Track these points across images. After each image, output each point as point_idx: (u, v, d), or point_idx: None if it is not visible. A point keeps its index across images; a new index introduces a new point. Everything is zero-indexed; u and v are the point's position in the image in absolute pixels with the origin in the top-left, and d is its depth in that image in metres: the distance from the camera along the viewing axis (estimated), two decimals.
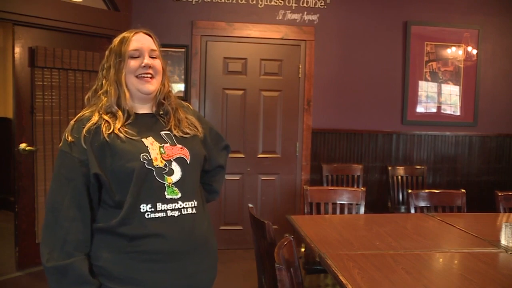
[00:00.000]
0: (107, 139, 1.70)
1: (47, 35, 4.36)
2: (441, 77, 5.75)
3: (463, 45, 5.76)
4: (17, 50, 4.17)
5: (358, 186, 5.05)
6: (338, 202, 3.51)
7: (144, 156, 1.70)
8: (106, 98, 1.79)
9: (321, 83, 5.46)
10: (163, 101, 1.87)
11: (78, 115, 1.80)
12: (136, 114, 1.82)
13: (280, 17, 5.34)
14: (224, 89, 5.30)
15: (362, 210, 3.48)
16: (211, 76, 5.28)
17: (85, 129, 1.71)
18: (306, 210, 3.45)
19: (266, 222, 2.35)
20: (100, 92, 1.82)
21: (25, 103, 4.27)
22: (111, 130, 1.72)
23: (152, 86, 1.81)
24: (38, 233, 4.38)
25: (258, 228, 2.46)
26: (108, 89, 1.79)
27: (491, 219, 3.25)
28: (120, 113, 1.77)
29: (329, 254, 2.30)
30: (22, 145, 4.23)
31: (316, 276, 3.01)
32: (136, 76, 1.80)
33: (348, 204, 3.50)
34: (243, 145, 5.33)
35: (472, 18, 5.74)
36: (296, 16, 5.37)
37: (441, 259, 2.41)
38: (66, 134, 1.74)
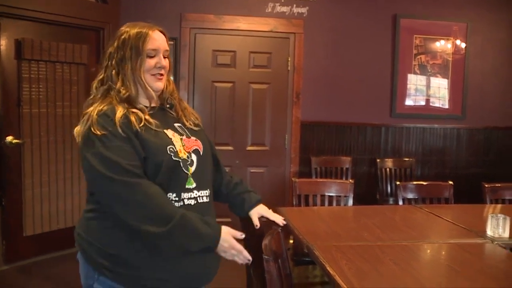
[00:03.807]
0: (139, 130, 1.71)
1: (34, 27, 4.32)
2: (429, 70, 5.77)
3: (452, 38, 5.78)
4: (3, 42, 4.12)
5: (346, 179, 5.05)
6: (326, 194, 3.51)
7: (170, 149, 1.75)
8: (124, 92, 1.78)
9: (310, 76, 5.46)
10: (170, 95, 1.94)
11: (95, 109, 1.73)
12: (150, 107, 1.85)
13: (269, 10, 5.33)
14: (213, 81, 5.29)
15: (350, 202, 3.49)
16: (200, 69, 5.26)
17: (117, 120, 1.69)
18: (294, 202, 3.45)
19: None
20: (114, 85, 1.80)
21: (12, 95, 4.23)
22: (141, 123, 1.73)
23: (162, 84, 1.88)
24: (25, 227, 4.36)
25: (247, 220, 2.46)
26: (127, 83, 1.79)
27: (478, 210, 3.28)
28: (142, 106, 1.80)
29: (317, 245, 2.30)
30: (9, 138, 4.19)
31: (304, 267, 3.02)
32: (150, 74, 1.83)
33: (336, 196, 3.51)
34: (232, 137, 5.33)
35: (461, 11, 5.76)
36: (285, 9, 5.36)
37: (428, 250, 2.42)
38: (92, 129, 1.67)
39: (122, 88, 1.79)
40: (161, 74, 1.85)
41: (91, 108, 1.75)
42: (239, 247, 1.76)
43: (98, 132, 1.67)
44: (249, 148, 5.39)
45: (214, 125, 5.23)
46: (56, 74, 4.50)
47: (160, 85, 1.86)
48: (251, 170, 5.38)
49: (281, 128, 5.43)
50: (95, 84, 1.86)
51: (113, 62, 1.82)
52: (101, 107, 1.74)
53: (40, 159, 4.45)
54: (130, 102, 1.78)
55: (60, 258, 4.44)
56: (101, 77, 1.86)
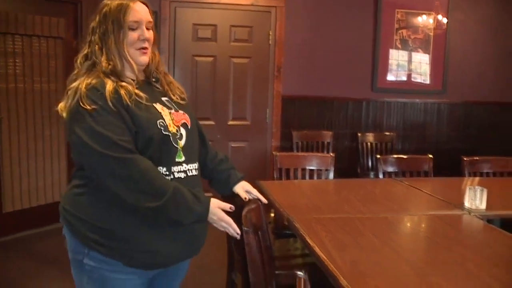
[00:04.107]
0: (130, 104, 1.68)
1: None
2: (411, 45, 5.77)
3: (434, 13, 5.78)
4: None
5: (328, 153, 5.07)
6: (307, 168, 3.52)
7: (160, 123, 1.73)
8: (109, 65, 1.74)
9: (292, 50, 5.43)
10: (156, 68, 1.91)
11: (83, 82, 1.68)
12: (137, 81, 1.81)
13: None
14: (194, 56, 5.24)
15: (331, 175, 3.50)
16: (180, 43, 5.20)
17: (107, 94, 1.65)
18: (275, 176, 3.46)
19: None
20: (98, 60, 1.75)
21: None
22: (131, 96, 1.70)
23: (147, 57, 1.84)
24: (4, 203, 4.32)
25: (229, 198, 2.46)
26: (112, 57, 1.75)
27: (457, 183, 3.32)
28: (130, 80, 1.76)
29: (297, 218, 2.31)
30: None
31: (285, 240, 3.04)
32: (134, 49, 1.79)
33: (317, 170, 3.52)
34: (213, 112, 5.31)
35: None
36: None
37: (408, 222, 2.45)
38: (81, 103, 1.63)
39: (107, 62, 1.75)
40: (145, 48, 1.81)
41: (77, 82, 1.70)
42: (228, 219, 1.76)
43: (88, 107, 1.63)
44: (230, 122, 5.38)
45: (195, 100, 5.19)
46: (32, 48, 4.41)
47: (145, 59, 1.83)
48: (233, 145, 5.38)
49: (263, 102, 5.42)
50: (79, 59, 1.81)
51: (96, 37, 1.78)
52: (89, 80, 1.69)
53: (18, 135, 4.39)
54: (116, 75, 1.74)
55: (41, 234, 4.42)
56: (85, 52, 1.81)
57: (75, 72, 1.79)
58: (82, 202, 1.74)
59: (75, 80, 1.74)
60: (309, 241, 2.01)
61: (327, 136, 5.34)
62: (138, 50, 1.80)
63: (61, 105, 1.73)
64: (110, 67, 1.74)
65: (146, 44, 1.81)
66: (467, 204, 2.60)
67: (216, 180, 2.16)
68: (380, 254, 1.93)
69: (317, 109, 5.59)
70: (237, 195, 2.10)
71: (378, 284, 1.62)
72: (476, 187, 2.61)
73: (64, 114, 1.71)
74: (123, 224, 1.70)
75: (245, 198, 2.08)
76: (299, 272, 1.39)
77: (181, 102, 1.92)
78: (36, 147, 4.54)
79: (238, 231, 1.80)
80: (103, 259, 1.71)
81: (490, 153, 4.26)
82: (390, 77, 5.78)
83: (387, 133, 5.65)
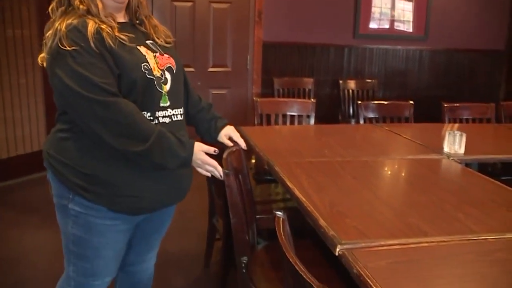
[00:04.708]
0: (113, 45, 1.62)
1: None
2: None
3: None
4: None
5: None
6: (288, 113, 3.51)
7: (145, 66, 1.68)
8: (84, 7, 1.64)
9: None
10: (137, 8, 1.82)
11: (63, 23, 1.60)
12: (118, 23, 1.73)
13: None
14: (172, 0, 5.11)
15: (312, 121, 3.51)
16: None
17: (89, 34, 1.58)
18: (256, 122, 3.45)
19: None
20: (71, 1, 1.66)
21: None
22: (114, 38, 1.63)
23: None
24: None
25: (215, 144, 2.46)
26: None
27: (437, 129, 3.34)
28: (112, 21, 1.68)
29: (277, 162, 2.32)
30: None
31: (266, 185, 3.06)
32: None
33: (298, 115, 3.52)
34: (193, 58, 5.24)
35: None
36: None
37: (387, 166, 2.47)
38: (62, 44, 1.56)
39: (80, 2, 1.66)
40: None
41: (56, 25, 1.62)
42: (213, 162, 1.75)
43: (68, 47, 1.56)
44: (210, 69, 5.33)
45: (174, 46, 5.08)
46: None
47: None
48: (213, 92, 5.35)
49: (243, 48, 5.35)
50: (52, 6, 1.73)
51: None
52: (70, 20, 1.61)
53: None
54: (93, 17, 1.66)
55: (21, 185, 4.40)
56: None
57: (51, 20, 1.71)
58: (67, 147, 1.71)
59: (51, 28, 1.65)
60: (288, 184, 2.02)
61: (308, 83, 5.32)
62: None
63: (41, 56, 1.67)
64: (84, 8, 1.65)
65: None
66: (446, 148, 2.63)
67: (199, 130, 2.15)
68: (359, 196, 1.95)
69: (298, 56, 5.54)
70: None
71: (357, 224, 1.63)
72: (455, 131, 2.63)
73: (44, 63, 1.65)
74: (108, 169, 1.68)
75: (229, 145, 2.08)
76: (278, 212, 1.40)
77: (166, 45, 1.87)
78: (12, 96, 4.45)
79: (222, 174, 1.80)
80: (88, 205, 1.70)
81: (470, 99, 4.30)
82: (373, 25, 5.72)
83: (368, 80, 5.64)
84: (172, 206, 1.96)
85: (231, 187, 1.87)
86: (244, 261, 1.98)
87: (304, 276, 1.09)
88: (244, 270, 1.98)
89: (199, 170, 1.78)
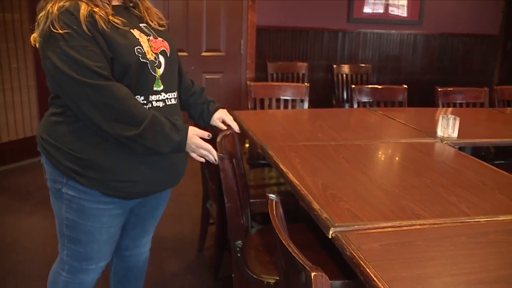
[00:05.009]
0: (106, 29, 1.60)
1: None
2: None
3: None
4: None
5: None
6: (282, 97, 3.51)
7: (138, 49, 1.66)
8: None
9: None
10: None
11: (54, 5, 1.57)
12: (112, 6, 1.71)
13: None
14: None
15: (306, 105, 3.51)
16: None
17: (82, 17, 1.56)
18: (250, 106, 3.45)
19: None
20: None
21: None
22: (107, 21, 1.61)
23: None
24: None
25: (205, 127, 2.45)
26: None
27: (430, 113, 3.35)
28: (105, 4, 1.65)
29: (271, 145, 2.32)
30: None
31: (260, 169, 3.06)
32: None
33: (292, 100, 3.51)
34: (186, 43, 5.20)
35: None
36: None
37: (380, 149, 2.48)
38: (54, 27, 1.54)
39: None
40: None
41: (48, 6, 1.60)
42: (207, 146, 1.74)
43: (60, 30, 1.54)
44: (204, 53, 5.29)
45: (168, 30, 5.05)
46: None
47: None
48: (207, 76, 5.32)
49: (237, 33, 5.32)
50: None
51: None
52: (62, 3, 1.59)
53: None
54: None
55: (14, 170, 4.37)
56: None
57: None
58: (60, 131, 1.70)
59: (44, 7, 1.63)
60: (282, 167, 2.02)
61: (302, 67, 5.31)
62: None
63: (34, 35, 1.64)
64: None
65: None
66: (439, 132, 2.64)
67: (191, 114, 2.13)
68: (352, 179, 1.95)
69: (292, 40, 5.52)
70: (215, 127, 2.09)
71: (350, 207, 1.64)
72: (449, 115, 2.64)
73: (37, 44, 1.63)
74: (102, 154, 1.67)
75: (223, 128, 2.07)
76: (271, 195, 1.40)
77: (160, 28, 1.85)
78: (4, 81, 4.41)
79: (217, 158, 1.79)
80: (82, 189, 1.70)
81: (463, 84, 4.30)
82: (367, 9, 5.70)
83: (362, 65, 5.63)
84: (167, 190, 1.96)
85: (226, 171, 1.87)
86: (239, 246, 1.99)
87: (297, 258, 1.09)
88: (239, 255, 1.99)
89: (193, 155, 1.76)
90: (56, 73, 1.58)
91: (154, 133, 1.61)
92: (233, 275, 2.13)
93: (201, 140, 1.73)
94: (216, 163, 1.81)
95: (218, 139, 1.93)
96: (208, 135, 1.75)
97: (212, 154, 1.76)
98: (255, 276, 1.93)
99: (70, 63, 1.54)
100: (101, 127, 1.59)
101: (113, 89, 1.57)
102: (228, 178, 1.89)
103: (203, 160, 1.79)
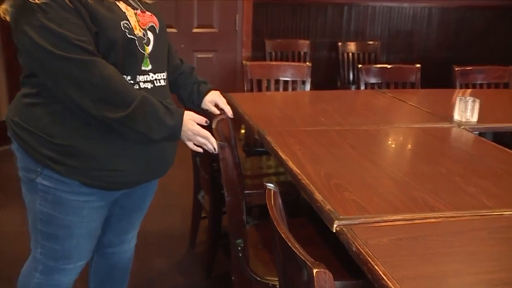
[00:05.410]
0: (89, 0, 1.56)
1: None
2: None
3: None
4: None
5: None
6: (281, 78, 3.49)
7: (125, 24, 1.63)
8: None
9: None
10: None
11: None
12: None
13: None
14: None
15: (307, 87, 3.49)
16: None
17: None
18: (246, 88, 3.43)
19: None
20: None
21: None
22: None
23: None
24: None
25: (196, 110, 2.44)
26: None
27: (447, 95, 3.34)
28: None
29: (268, 131, 2.31)
30: None
31: (257, 158, 3.06)
32: None
33: (292, 81, 3.50)
34: (175, 18, 5.17)
35: None
36: None
37: (390, 135, 2.47)
38: None
39: None
40: None
41: None
42: (206, 133, 1.72)
43: (38, 0, 1.50)
44: (195, 30, 5.28)
45: (156, 4, 5.04)
46: None
47: None
48: (198, 55, 5.31)
49: (231, 7, 5.30)
50: None
51: None
52: None
53: None
54: None
55: None
56: None
57: None
58: (34, 113, 1.67)
59: None
60: (281, 154, 2.01)
61: (304, 45, 5.29)
62: None
63: (3, 7, 1.61)
64: None
65: None
66: (456, 116, 2.62)
67: (180, 96, 2.12)
68: (359, 167, 1.94)
69: (292, 15, 5.50)
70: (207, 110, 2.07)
71: (356, 198, 1.63)
72: (468, 98, 2.63)
73: (7, 17, 1.59)
74: (82, 139, 1.64)
75: (216, 113, 2.05)
76: (269, 184, 1.39)
77: (148, 1, 1.81)
78: None
79: (216, 146, 1.77)
80: (59, 179, 1.67)
81: (484, 62, 4.28)
82: None
83: (370, 42, 5.61)
84: (154, 180, 1.95)
85: (227, 161, 1.85)
86: (241, 245, 1.96)
87: (297, 253, 1.08)
88: (240, 254, 1.97)
89: (188, 143, 1.74)
90: (33, 49, 1.54)
91: (144, 115, 1.58)
92: (233, 278, 2.13)
93: (198, 126, 1.71)
94: (216, 152, 1.78)
95: (214, 125, 1.92)
96: (206, 121, 1.73)
97: (211, 143, 1.74)
98: (258, 278, 1.91)
99: (49, 36, 1.51)
100: (84, 108, 1.56)
101: (99, 65, 1.54)
102: (229, 169, 1.87)
103: (200, 150, 1.77)
